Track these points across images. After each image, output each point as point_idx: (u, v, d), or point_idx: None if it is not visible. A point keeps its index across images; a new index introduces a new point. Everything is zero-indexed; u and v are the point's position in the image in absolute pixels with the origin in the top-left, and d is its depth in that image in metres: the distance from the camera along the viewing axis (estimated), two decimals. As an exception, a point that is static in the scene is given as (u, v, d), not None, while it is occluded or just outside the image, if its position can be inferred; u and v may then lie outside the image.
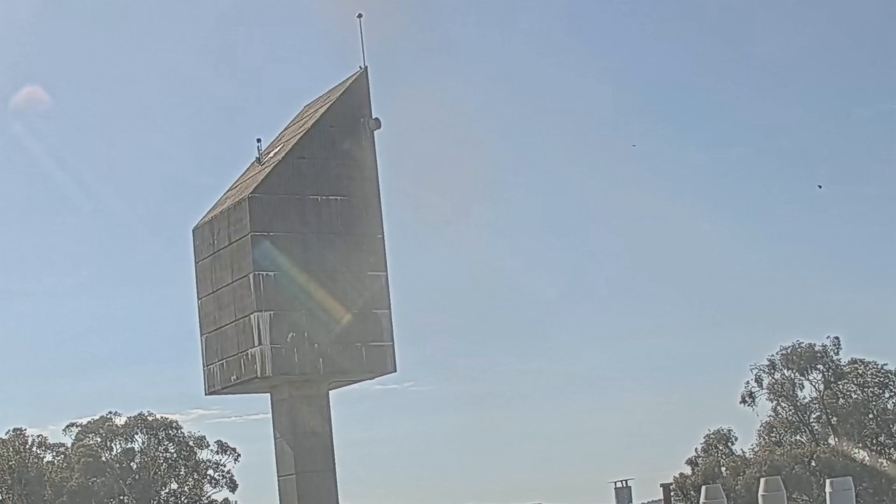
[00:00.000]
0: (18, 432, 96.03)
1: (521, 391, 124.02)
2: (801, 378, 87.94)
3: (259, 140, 40.67)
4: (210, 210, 40.30)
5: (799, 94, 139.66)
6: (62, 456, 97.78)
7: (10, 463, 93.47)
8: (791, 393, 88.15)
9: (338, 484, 38.58)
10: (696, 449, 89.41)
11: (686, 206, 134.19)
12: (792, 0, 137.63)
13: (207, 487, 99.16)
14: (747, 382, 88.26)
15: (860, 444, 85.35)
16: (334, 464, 38.52)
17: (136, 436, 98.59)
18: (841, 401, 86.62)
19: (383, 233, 39.09)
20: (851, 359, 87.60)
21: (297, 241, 37.83)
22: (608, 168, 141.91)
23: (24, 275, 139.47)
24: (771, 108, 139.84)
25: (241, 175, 40.64)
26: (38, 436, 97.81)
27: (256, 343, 37.14)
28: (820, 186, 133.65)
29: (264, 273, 37.32)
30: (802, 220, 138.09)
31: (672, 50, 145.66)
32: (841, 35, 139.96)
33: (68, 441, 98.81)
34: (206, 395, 39.95)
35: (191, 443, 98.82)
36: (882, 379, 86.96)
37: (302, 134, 38.96)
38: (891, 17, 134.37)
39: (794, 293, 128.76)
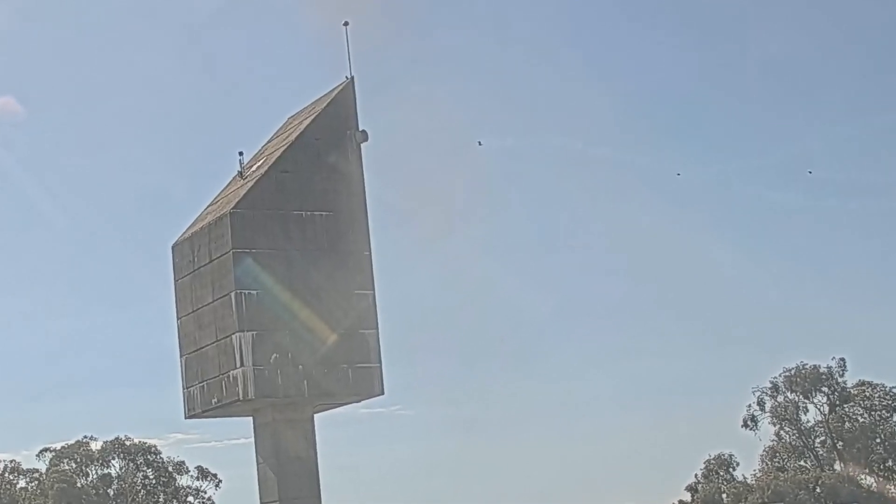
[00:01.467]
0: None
1: (514, 414, 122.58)
2: (806, 401, 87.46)
3: (241, 153, 40.38)
4: (190, 226, 39.86)
5: (804, 106, 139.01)
6: (36, 482, 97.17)
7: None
8: (795, 416, 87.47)
9: (323, 511, 38.24)
10: (696, 475, 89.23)
11: (686, 222, 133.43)
12: (796, 7, 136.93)
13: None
14: (749, 405, 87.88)
15: (867, 470, 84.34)
16: (319, 490, 38.04)
17: (112, 461, 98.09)
18: (847, 424, 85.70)
19: (370, 249, 38.65)
20: (858, 381, 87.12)
21: (281, 259, 37.39)
22: (605, 182, 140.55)
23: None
24: (773, 118, 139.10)
25: (223, 189, 40.25)
26: (11, 461, 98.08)
27: (238, 364, 36.68)
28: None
29: (246, 292, 36.87)
30: (807, 237, 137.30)
31: (671, 59, 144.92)
32: (846, 42, 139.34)
33: (42, 467, 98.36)
34: (185, 418, 39.67)
35: (170, 468, 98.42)
36: (890, 402, 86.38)
37: (286, 147, 38.58)
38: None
39: (797, 313, 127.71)
